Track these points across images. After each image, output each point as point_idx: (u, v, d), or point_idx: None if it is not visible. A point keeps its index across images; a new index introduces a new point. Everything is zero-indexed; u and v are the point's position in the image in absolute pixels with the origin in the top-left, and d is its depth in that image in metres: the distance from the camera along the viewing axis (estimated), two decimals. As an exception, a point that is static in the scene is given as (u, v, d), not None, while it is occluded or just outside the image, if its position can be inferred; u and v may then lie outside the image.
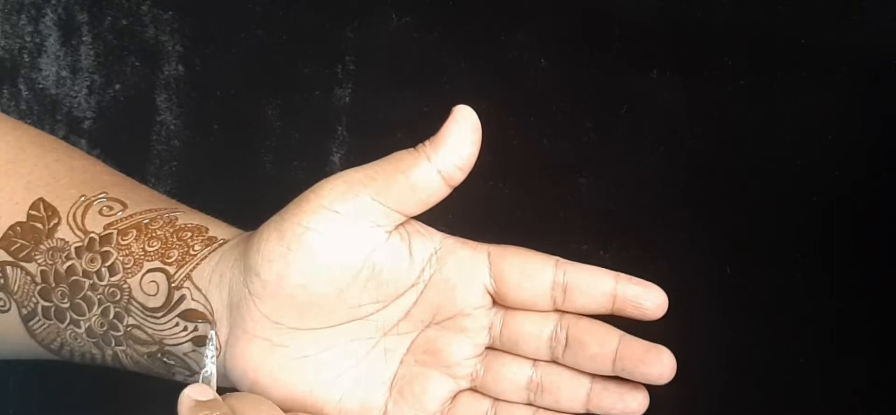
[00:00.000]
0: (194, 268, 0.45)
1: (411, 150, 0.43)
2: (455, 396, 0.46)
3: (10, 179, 0.48)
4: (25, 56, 0.62)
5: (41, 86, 0.63)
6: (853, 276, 0.52)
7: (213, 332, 0.44)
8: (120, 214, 0.47)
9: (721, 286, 0.54)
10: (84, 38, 0.62)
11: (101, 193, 0.48)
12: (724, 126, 0.54)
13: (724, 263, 0.54)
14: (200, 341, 0.45)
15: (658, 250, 0.53)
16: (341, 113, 0.59)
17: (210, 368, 0.44)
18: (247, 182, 0.60)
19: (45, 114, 0.63)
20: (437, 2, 0.58)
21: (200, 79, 0.61)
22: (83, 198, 0.47)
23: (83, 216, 0.47)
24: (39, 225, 0.47)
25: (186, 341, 0.45)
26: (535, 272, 0.44)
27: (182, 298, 0.45)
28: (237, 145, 0.61)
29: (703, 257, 0.54)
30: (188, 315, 0.45)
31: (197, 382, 0.43)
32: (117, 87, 0.62)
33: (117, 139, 0.62)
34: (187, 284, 0.45)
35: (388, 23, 0.58)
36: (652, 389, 0.45)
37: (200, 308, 0.45)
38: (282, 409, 0.44)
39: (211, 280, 0.45)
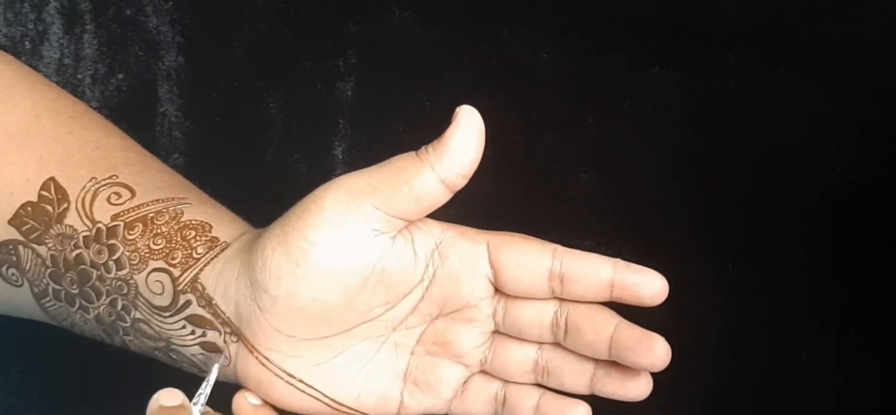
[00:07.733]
0: (198, 273, 0.45)
1: (413, 156, 0.42)
2: (466, 380, 0.46)
3: (23, 153, 0.47)
4: (27, 43, 0.62)
5: (43, 73, 0.63)
6: (853, 274, 0.53)
7: (216, 365, 0.44)
8: (128, 203, 0.46)
9: (722, 282, 0.54)
10: (87, 27, 0.62)
11: (111, 176, 0.47)
12: (724, 122, 0.54)
13: (726, 258, 0.54)
14: (209, 347, 0.45)
15: (659, 246, 0.53)
16: (343, 106, 0.59)
17: (205, 390, 0.44)
18: (248, 175, 0.60)
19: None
20: (440, -4, 0.58)
21: (202, 70, 0.61)
22: (93, 181, 0.47)
23: (92, 203, 0.46)
24: (50, 207, 0.46)
25: (194, 344, 0.45)
26: (531, 263, 0.44)
27: (188, 302, 0.45)
28: (239, 138, 0.60)
29: (705, 253, 0.54)
30: (195, 321, 0.45)
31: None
32: (120, 76, 0.62)
33: (120, 130, 0.62)
34: (192, 289, 0.45)
35: (390, 17, 0.58)
36: (652, 386, 0.45)
37: (207, 316, 0.44)
38: (300, 414, 0.45)
39: (216, 290, 0.44)
